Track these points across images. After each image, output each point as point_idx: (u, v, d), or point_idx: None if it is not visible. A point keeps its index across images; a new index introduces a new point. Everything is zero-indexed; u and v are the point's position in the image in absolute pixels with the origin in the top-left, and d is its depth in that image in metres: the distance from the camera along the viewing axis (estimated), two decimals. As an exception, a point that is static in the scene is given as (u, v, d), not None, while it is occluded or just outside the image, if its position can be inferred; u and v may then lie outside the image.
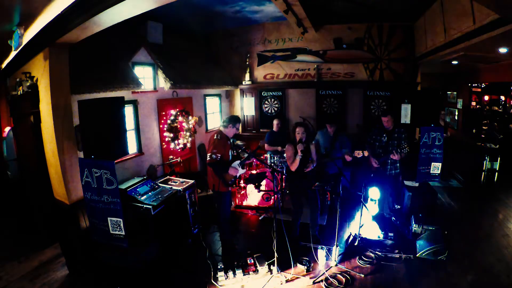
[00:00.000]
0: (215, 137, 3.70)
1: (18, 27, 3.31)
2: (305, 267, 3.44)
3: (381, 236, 4.09)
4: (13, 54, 3.67)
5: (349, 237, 4.15)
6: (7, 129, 4.89)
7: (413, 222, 4.03)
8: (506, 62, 5.94)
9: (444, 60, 5.74)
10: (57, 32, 2.97)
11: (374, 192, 4.45)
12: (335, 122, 4.86)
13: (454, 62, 6.23)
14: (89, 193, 3.21)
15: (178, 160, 5.32)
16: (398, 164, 4.38)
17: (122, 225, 3.12)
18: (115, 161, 3.16)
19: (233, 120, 3.78)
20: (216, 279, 3.30)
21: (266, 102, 7.50)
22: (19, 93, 3.90)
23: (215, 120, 7.49)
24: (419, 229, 3.94)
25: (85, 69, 3.84)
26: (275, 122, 6.03)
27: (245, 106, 7.68)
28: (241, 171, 3.89)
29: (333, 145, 4.73)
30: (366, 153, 4.10)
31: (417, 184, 4.70)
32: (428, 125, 4.15)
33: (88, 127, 3.26)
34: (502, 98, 9.32)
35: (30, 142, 3.97)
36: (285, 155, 4.03)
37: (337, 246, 3.61)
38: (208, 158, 3.61)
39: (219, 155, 3.57)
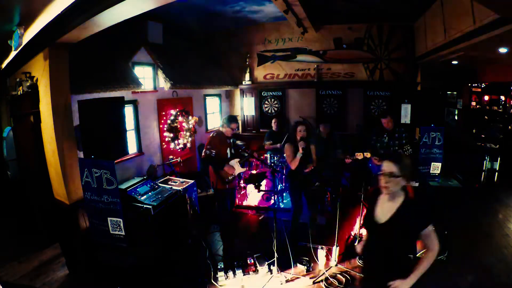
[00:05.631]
0: (211, 135, 3.75)
1: (18, 27, 3.30)
2: (305, 267, 3.44)
3: (381, 236, 4.08)
4: (13, 54, 3.67)
5: (349, 237, 4.15)
6: (7, 129, 4.89)
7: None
8: (506, 62, 5.94)
9: (444, 60, 5.74)
10: (57, 32, 2.97)
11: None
12: (330, 122, 4.74)
13: (454, 62, 6.23)
14: (89, 193, 3.21)
15: (178, 160, 5.32)
16: None
17: (122, 225, 3.12)
18: (115, 161, 3.17)
19: (228, 120, 3.81)
20: (216, 279, 3.30)
21: (266, 102, 7.50)
22: (19, 93, 3.90)
23: (215, 120, 7.49)
24: (419, 229, 3.92)
25: (85, 69, 3.84)
26: (273, 121, 6.04)
27: (245, 106, 7.67)
28: (239, 170, 3.90)
29: (328, 148, 4.60)
30: (368, 155, 4.03)
31: (417, 184, 4.70)
32: (428, 125, 4.15)
33: (88, 127, 3.26)
34: (502, 98, 9.32)
35: (30, 142, 3.97)
36: (285, 154, 4.02)
37: (337, 246, 3.60)
38: (203, 154, 3.65)
39: (214, 151, 3.60)
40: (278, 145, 5.65)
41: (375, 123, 5.17)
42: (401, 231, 1.84)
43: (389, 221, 1.88)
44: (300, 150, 3.62)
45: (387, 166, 1.88)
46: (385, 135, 4.33)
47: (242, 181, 5.51)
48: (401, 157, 1.94)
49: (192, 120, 5.84)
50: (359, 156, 4.03)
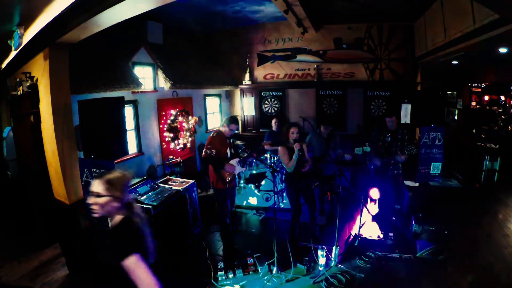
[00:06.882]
0: (211, 135, 3.75)
1: (18, 27, 3.31)
2: (305, 267, 3.44)
3: (381, 236, 4.09)
4: (13, 54, 3.68)
5: (349, 237, 4.15)
6: (7, 129, 4.89)
7: (413, 222, 4.03)
8: (506, 62, 5.94)
9: (444, 60, 5.74)
10: (57, 32, 2.98)
11: (374, 192, 4.45)
12: (331, 123, 4.80)
13: (454, 62, 6.23)
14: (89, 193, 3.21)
15: (178, 160, 5.32)
16: (400, 165, 4.38)
17: (122, 225, 3.12)
18: (115, 161, 3.17)
19: (228, 120, 3.80)
20: (216, 279, 3.30)
21: (266, 102, 7.50)
22: (19, 93, 3.90)
23: (215, 120, 7.49)
24: (419, 229, 3.94)
25: (85, 69, 3.85)
26: (273, 121, 6.03)
27: (245, 106, 7.68)
28: (240, 169, 3.90)
29: (328, 147, 4.66)
30: (367, 149, 4.06)
31: (417, 184, 4.70)
32: (428, 125, 4.15)
33: (88, 127, 3.26)
34: (502, 98, 9.31)
35: (30, 142, 3.97)
36: (280, 157, 3.99)
37: (337, 246, 3.60)
38: (203, 154, 3.64)
39: (214, 151, 3.59)
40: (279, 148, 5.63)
41: (375, 123, 5.17)
42: (106, 255, 1.62)
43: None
44: (297, 152, 3.60)
45: (94, 185, 1.62)
46: (387, 135, 4.32)
47: (242, 181, 5.51)
48: (112, 175, 1.64)
49: (192, 120, 5.84)
50: (358, 151, 4.07)
